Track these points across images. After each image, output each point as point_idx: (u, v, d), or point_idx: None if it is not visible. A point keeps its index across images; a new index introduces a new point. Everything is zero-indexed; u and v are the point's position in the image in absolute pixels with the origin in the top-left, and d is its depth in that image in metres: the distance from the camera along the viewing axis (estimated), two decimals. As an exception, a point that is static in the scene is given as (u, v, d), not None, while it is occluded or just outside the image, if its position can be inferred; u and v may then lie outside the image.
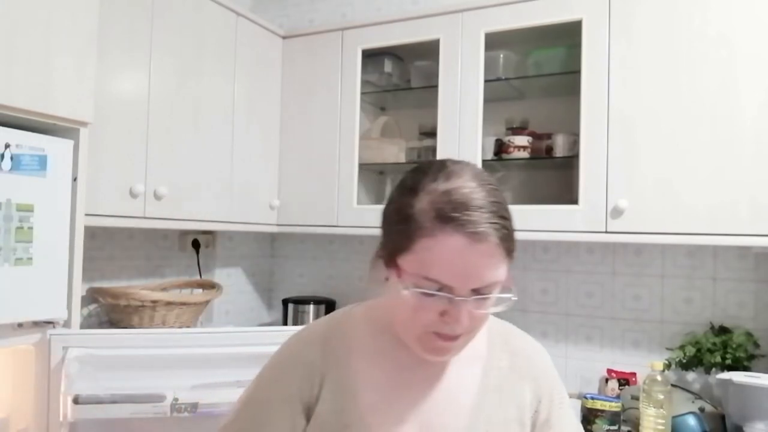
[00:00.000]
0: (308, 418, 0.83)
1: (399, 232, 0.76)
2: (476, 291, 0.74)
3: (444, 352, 0.80)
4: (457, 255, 0.71)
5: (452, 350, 0.80)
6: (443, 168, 0.77)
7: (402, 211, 0.76)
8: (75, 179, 1.38)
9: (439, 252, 0.72)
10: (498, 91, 2.07)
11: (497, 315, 0.85)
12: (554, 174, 2.12)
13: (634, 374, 1.98)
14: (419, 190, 0.75)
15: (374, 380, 0.84)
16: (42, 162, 1.29)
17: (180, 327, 1.90)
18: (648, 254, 2.03)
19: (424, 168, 0.79)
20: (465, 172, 0.76)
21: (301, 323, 2.44)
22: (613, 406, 1.77)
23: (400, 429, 0.81)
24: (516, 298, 0.77)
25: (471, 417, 0.82)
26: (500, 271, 0.74)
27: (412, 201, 0.75)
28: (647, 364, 1.76)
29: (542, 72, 2.02)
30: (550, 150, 2.04)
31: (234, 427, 0.87)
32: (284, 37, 2.34)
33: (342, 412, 0.82)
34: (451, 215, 0.72)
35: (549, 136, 2.05)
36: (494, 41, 1.99)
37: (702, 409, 1.74)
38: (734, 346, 1.77)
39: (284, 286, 2.71)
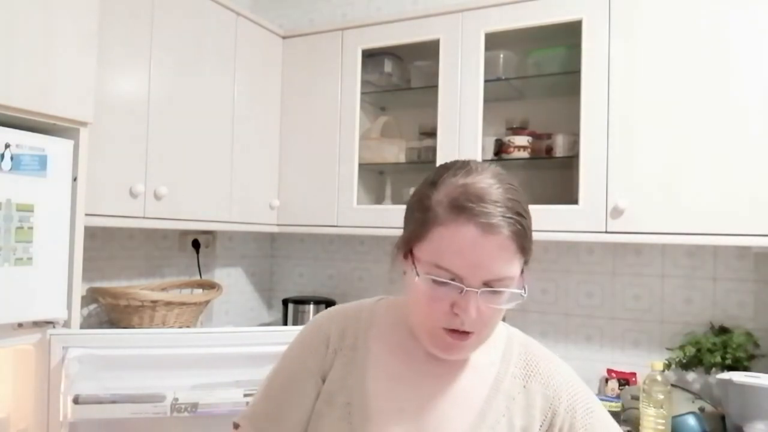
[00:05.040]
0: (318, 393, 0.87)
1: (416, 221, 0.79)
2: (487, 285, 0.75)
3: (454, 351, 0.80)
4: (468, 245, 0.74)
5: (462, 349, 0.80)
6: (466, 165, 0.80)
7: (421, 201, 0.79)
8: (75, 179, 1.38)
9: (451, 241, 0.75)
10: (498, 91, 2.07)
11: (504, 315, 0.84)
12: (554, 174, 2.11)
13: (634, 374, 1.98)
14: (439, 183, 0.79)
15: (385, 367, 0.86)
16: (42, 162, 1.29)
17: (180, 327, 1.90)
18: (648, 254, 2.03)
19: (449, 165, 0.82)
20: (485, 171, 0.79)
21: (301, 323, 2.45)
22: (613, 406, 1.77)
23: (398, 418, 0.82)
24: (525, 295, 0.77)
25: (475, 420, 0.81)
26: (512, 266, 0.76)
27: (431, 193, 0.78)
28: (647, 364, 1.76)
29: (542, 72, 2.02)
30: (550, 150, 2.03)
31: (262, 395, 0.91)
32: (284, 37, 2.34)
33: (348, 389, 0.85)
34: (465, 205, 0.74)
35: (549, 136, 2.05)
36: (494, 41, 1.98)
37: (702, 409, 1.74)
38: (734, 346, 1.77)
39: (284, 286, 2.71)
